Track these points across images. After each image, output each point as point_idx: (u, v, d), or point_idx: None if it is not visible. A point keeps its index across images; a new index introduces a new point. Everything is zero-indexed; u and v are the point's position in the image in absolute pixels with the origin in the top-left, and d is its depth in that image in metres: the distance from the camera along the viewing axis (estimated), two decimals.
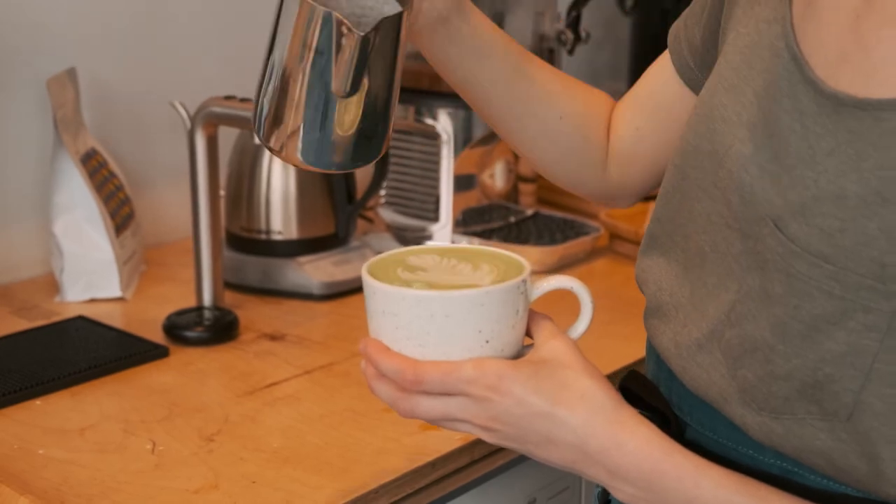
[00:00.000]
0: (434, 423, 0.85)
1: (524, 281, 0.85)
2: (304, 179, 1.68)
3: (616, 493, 0.82)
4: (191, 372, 1.40)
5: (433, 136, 1.81)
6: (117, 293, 1.64)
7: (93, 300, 1.63)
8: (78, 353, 1.43)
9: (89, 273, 1.63)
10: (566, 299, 0.91)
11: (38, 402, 1.30)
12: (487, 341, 0.83)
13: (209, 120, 1.49)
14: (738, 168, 0.81)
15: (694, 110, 0.91)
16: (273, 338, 1.50)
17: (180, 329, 1.48)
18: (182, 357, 1.44)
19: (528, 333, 0.87)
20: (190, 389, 1.35)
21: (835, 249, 0.73)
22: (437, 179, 1.81)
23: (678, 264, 0.90)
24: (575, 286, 0.89)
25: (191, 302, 1.57)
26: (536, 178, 1.94)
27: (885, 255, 0.72)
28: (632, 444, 0.80)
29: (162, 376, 1.38)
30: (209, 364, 1.43)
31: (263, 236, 1.69)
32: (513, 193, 1.89)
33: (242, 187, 1.68)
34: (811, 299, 0.74)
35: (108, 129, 1.80)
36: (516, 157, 1.86)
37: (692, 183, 0.87)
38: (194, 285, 1.55)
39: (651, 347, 0.96)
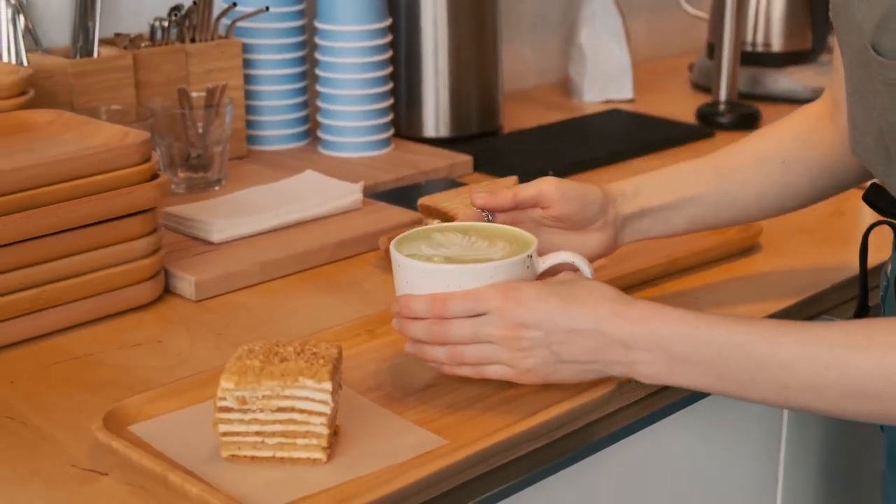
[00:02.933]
0: (465, 352, 0.90)
1: (529, 256, 0.93)
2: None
3: (636, 369, 0.89)
4: None
5: None
6: (629, 95, 1.91)
7: (607, 101, 1.91)
8: (634, 133, 1.72)
9: (606, 77, 1.90)
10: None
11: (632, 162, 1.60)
12: None
13: None
14: (856, 13, 0.88)
15: None
16: None
17: (713, 116, 1.76)
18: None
19: None
20: None
21: None
22: None
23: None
24: (577, 260, 0.96)
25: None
26: None
27: None
28: (635, 312, 0.88)
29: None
30: None
31: (749, 48, 1.93)
32: None
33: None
34: None
35: None
36: None
37: (847, 56, 0.94)
38: (714, 82, 1.81)
39: None
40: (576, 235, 1.04)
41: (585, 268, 0.97)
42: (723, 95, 1.79)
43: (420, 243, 0.96)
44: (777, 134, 1.10)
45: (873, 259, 1.09)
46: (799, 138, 1.08)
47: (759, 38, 1.93)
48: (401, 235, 0.97)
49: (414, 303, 0.92)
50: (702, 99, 1.87)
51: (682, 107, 1.84)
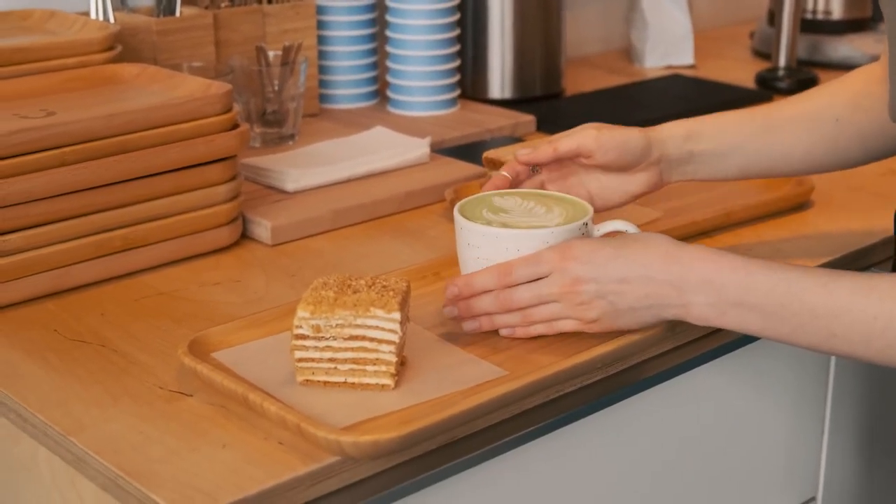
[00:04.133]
0: (535, 312, 0.96)
1: (585, 223, 0.99)
2: None
3: (690, 311, 0.92)
4: None
5: None
6: (689, 61, 1.95)
7: (668, 67, 1.95)
8: (693, 96, 1.76)
9: (667, 43, 1.94)
10: None
11: None
12: None
13: None
14: None
15: None
16: None
17: (773, 81, 1.79)
18: None
19: None
20: None
21: None
22: None
23: None
24: (630, 228, 1.01)
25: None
26: None
27: None
28: (687, 256, 0.92)
29: None
30: None
31: (809, 16, 1.96)
32: None
33: None
34: None
35: None
36: None
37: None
38: (774, 48, 1.84)
39: None
40: (622, 176, 1.09)
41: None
42: (782, 61, 1.82)
43: (482, 208, 1.02)
44: (831, 93, 1.12)
45: None
46: (851, 99, 1.11)
47: (820, 6, 1.96)
48: (464, 200, 1.04)
49: (477, 279, 0.97)
50: (762, 66, 1.91)
51: (742, 73, 1.88)
